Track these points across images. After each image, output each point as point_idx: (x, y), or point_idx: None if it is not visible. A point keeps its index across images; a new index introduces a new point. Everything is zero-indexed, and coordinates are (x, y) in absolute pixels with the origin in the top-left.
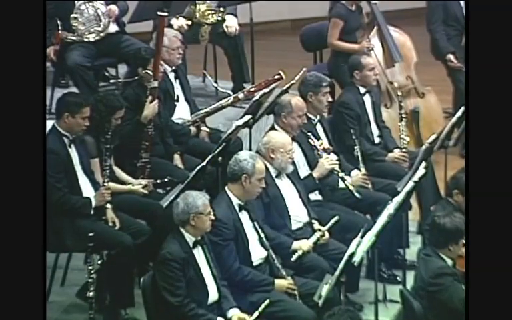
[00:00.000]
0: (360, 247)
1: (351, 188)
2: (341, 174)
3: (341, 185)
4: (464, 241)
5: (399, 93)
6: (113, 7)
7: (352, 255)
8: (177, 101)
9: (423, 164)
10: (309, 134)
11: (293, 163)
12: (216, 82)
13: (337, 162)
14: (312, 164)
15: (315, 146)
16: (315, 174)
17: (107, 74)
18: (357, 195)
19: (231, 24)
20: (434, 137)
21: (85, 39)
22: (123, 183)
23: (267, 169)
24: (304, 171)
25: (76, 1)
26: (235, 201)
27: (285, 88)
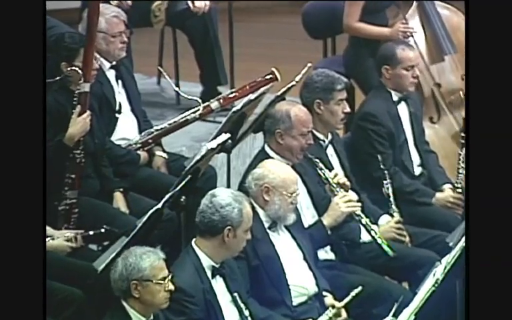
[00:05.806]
0: None
1: (380, 241)
2: (365, 220)
3: (365, 238)
4: None
5: (451, 101)
6: None
7: None
8: (119, 112)
9: None
10: (317, 161)
11: (296, 210)
12: (177, 84)
13: (359, 203)
14: (320, 206)
15: (326, 179)
16: (326, 221)
17: None
18: (389, 251)
19: None
20: None
21: None
22: None
23: (255, 214)
24: (308, 216)
25: None
26: (206, 262)
27: (279, 93)
